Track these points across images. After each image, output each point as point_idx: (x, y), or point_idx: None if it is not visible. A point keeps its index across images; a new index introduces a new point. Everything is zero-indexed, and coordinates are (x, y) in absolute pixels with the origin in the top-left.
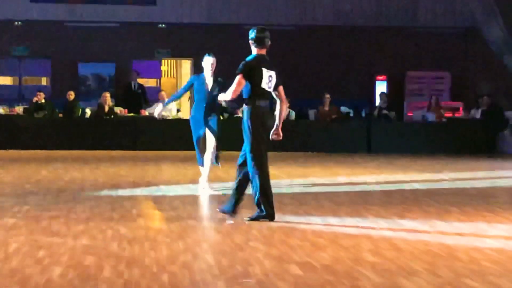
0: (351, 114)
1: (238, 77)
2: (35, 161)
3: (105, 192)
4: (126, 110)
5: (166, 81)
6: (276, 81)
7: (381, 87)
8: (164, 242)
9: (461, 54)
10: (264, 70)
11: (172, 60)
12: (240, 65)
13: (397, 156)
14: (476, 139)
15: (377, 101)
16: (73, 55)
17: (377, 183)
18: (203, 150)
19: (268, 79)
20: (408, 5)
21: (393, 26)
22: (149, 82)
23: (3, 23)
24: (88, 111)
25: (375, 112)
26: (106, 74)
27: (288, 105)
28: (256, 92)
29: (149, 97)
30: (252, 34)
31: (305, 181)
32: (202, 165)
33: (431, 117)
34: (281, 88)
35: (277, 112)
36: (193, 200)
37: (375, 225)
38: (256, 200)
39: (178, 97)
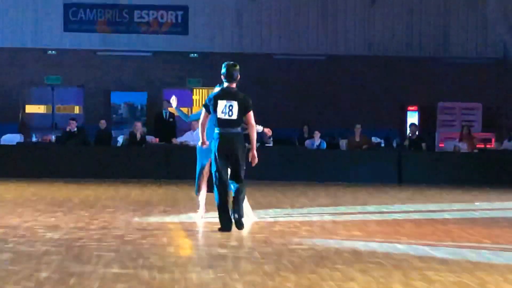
0: (382, 144)
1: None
2: (67, 189)
3: (136, 220)
4: (158, 139)
5: (197, 110)
6: (240, 110)
7: (412, 117)
8: (194, 270)
9: (493, 84)
10: (222, 101)
11: (203, 89)
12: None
13: (428, 186)
14: (508, 170)
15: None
16: (106, 83)
17: (408, 213)
18: (204, 180)
19: (228, 108)
20: (439, 35)
21: (425, 56)
22: None
23: (37, 52)
24: (120, 140)
25: (405, 143)
26: (138, 103)
27: (260, 129)
28: (216, 121)
29: (181, 126)
30: (223, 69)
31: (335, 210)
32: (199, 194)
33: (463, 147)
34: (248, 115)
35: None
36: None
37: (405, 255)
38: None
39: (189, 117)
